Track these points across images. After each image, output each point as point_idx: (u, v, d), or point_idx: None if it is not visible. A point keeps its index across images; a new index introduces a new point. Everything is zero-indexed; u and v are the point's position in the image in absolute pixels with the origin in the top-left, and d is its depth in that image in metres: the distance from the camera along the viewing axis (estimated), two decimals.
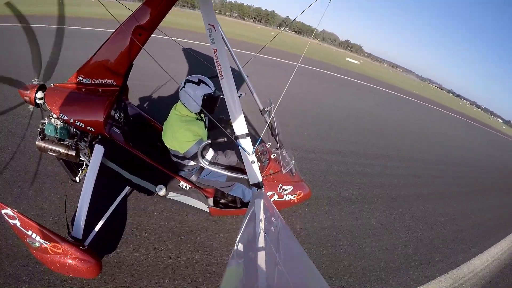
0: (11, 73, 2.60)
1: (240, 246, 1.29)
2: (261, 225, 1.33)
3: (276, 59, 15.63)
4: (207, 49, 2.43)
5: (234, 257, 1.26)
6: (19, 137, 3.64)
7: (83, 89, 2.41)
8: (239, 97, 2.25)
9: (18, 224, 2.02)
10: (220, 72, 2.11)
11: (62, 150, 2.34)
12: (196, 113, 2.73)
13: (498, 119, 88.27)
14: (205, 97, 2.60)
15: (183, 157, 2.73)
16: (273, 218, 1.55)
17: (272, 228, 1.43)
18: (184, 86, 2.61)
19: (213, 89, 2.65)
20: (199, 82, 2.62)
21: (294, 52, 20.35)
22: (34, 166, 3.30)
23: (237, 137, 2.28)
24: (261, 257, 1.07)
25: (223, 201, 3.17)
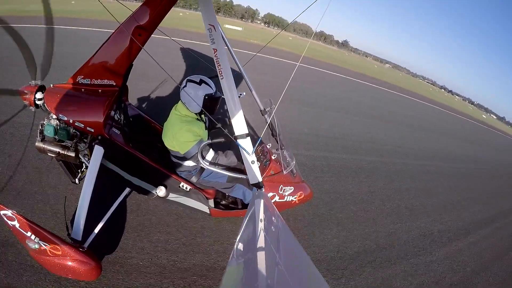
0: (13, 72, 2.57)
1: (240, 246, 1.28)
2: (261, 225, 1.31)
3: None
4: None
5: (234, 257, 1.25)
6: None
7: (83, 90, 2.40)
8: (239, 97, 2.25)
9: (17, 225, 2.01)
10: (220, 72, 2.11)
11: (61, 151, 2.33)
12: (196, 114, 2.72)
13: (492, 115, 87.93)
14: (206, 97, 2.59)
15: (183, 158, 2.72)
16: (273, 218, 1.53)
17: (272, 228, 1.42)
18: (185, 86, 2.60)
19: (214, 89, 2.64)
20: (201, 82, 2.61)
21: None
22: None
23: (237, 137, 2.28)
24: (261, 257, 1.06)
25: (223, 202, 3.15)
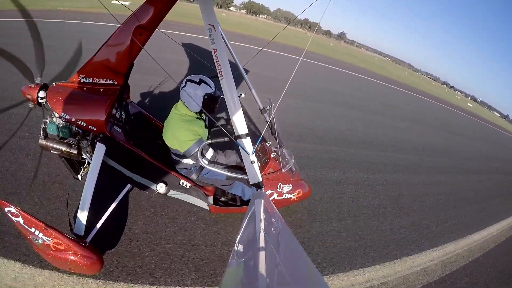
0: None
1: (240, 247, 1.32)
2: (261, 225, 1.35)
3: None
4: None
5: (234, 257, 1.29)
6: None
7: (85, 89, 2.43)
8: (239, 97, 2.27)
9: (22, 221, 2.06)
10: (220, 72, 2.13)
11: (64, 148, 2.37)
12: (196, 113, 2.75)
13: (495, 112, 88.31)
14: (206, 97, 2.62)
15: (183, 156, 2.76)
16: (273, 219, 1.57)
17: (272, 229, 1.46)
18: (185, 86, 2.63)
19: (213, 88, 2.67)
20: (200, 81, 2.64)
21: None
22: (31, 164, 3.32)
23: (237, 137, 2.31)
24: (261, 258, 1.10)
25: (223, 199, 3.21)
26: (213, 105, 2.72)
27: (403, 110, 14.19)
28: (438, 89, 50.54)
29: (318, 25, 2.85)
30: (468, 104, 45.43)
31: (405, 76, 40.42)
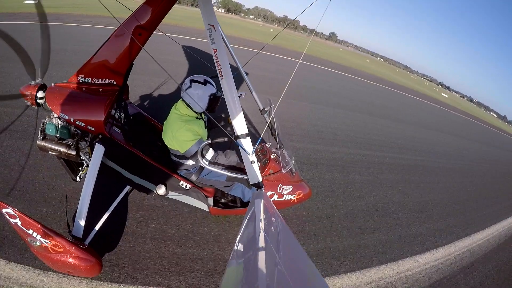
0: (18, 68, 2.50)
1: (240, 247, 1.30)
2: (261, 225, 1.34)
3: None
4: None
5: (234, 257, 1.27)
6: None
7: (84, 89, 2.41)
8: (239, 97, 2.26)
9: (19, 223, 2.03)
10: (220, 72, 2.13)
11: (62, 149, 2.35)
12: (196, 113, 2.74)
13: (492, 113, 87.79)
14: (211, 97, 2.62)
15: (183, 157, 2.74)
16: (273, 219, 1.55)
17: (272, 228, 1.44)
18: (190, 86, 2.61)
19: (216, 88, 2.67)
20: (205, 82, 2.64)
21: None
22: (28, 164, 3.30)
23: (237, 137, 2.30)
24: (261, 257, 1.08)
25: (223, 200, 3.18)
26: (215, 105, 2.73)
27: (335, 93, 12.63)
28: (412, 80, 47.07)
29: (315, 31, 2.85)
30: (442, 94, 43.18)
31: (365, 64, 37.82)
